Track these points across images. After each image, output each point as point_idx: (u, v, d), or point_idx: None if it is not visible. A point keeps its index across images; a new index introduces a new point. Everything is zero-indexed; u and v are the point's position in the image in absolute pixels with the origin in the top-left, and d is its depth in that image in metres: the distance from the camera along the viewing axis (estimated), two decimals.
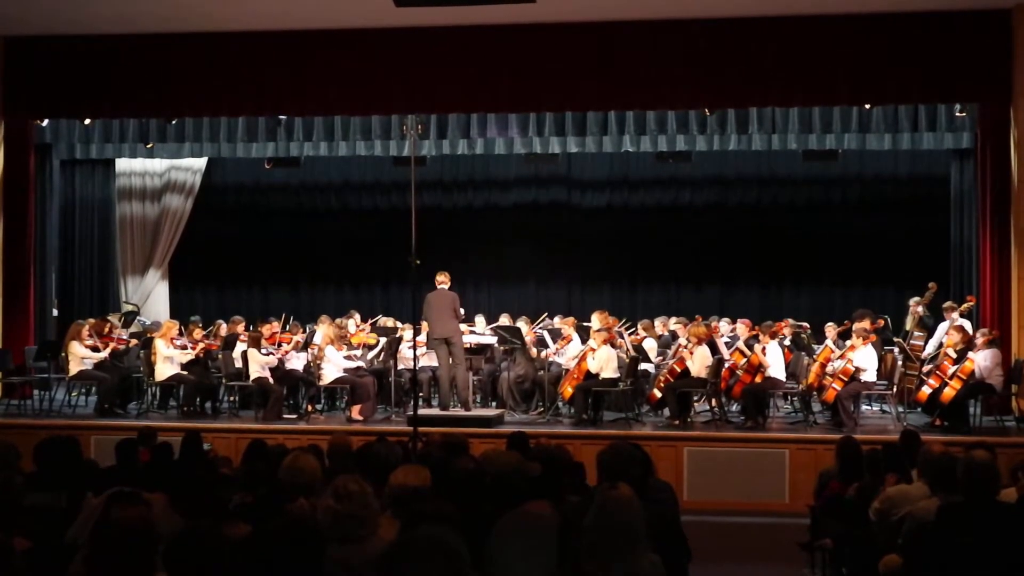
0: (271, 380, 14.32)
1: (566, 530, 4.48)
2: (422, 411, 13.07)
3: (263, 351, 14.40)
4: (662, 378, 14.22)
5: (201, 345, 14.99)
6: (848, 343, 13.84)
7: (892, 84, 14.79)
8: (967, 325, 14.53)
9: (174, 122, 17.14)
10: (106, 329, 15.40)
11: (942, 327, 14.98)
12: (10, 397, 15.44)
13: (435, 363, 15.35)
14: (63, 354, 14.78)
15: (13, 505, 5.48)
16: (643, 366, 14.67)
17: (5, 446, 7.24)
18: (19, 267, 16.27)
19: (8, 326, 16.11)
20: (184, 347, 14.84)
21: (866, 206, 19.00)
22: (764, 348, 13.93)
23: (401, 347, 14.79)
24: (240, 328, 15.43)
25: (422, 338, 14.70)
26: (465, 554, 3.43)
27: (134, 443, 8.69)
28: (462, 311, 14.66)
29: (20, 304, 16.27)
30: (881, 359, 14.00)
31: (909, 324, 16.11)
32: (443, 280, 14.29)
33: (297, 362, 14.87)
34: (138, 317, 18.14)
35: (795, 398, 14.90)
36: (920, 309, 16.08)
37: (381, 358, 15.18)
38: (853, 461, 8.65)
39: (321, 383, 14.56)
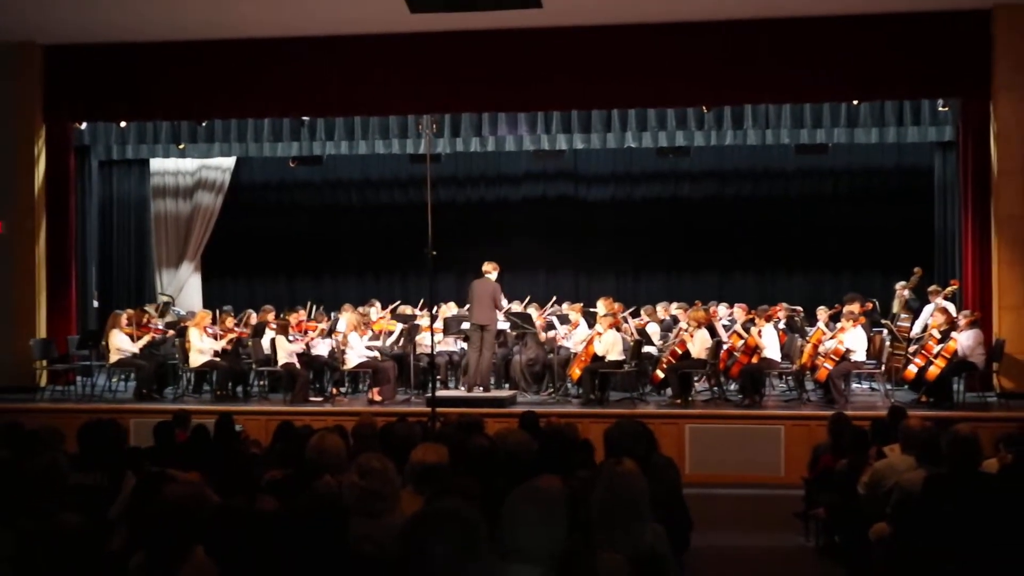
0: (298, 365, 14.34)
1: (575, 503, 4.50)
2: (440, 393, 13.08)
3: (290, 338, 14.43)
4: (664, 360, 14.24)
5: (232, 336, 15.02)
6: (839, 325, 13.83)
7: (879, 81, 14.77)
8: (951, 307, 14.52)
9: (204, 124, 17.15)
10: (144, 319, 15.45)
11: (927, 309, 14.96)
12: (55, 383, 15.49)
13: (452, 348, 15.43)
14: (103, 343, 14.84)
15: (59, 485, 5.50)
16: (646, 349, 14.69)
17: (50, 429, 7.29)
18: (62, 262, 16.33)
19: (52, 317, 16.16)
20: (216, 336, 14.88)
21: (855, 196, 18.94)
22: (760, 331, 13.94)
23: (420, 333, 14.82)
24: (269, 317, 15.46)
25: (439, 324, 14.74)
26: (482, 526, 3.44)
27: (171, 425, 8.73)
28: (504, 300, 14.66)
29: (63, 296, 16.33)
30: (870, 340, 13.99)
31: (896, 307, 16.10)
32: (488, 269, 14.37)
33: (322, 348, 14.90)
34: (173, 307, 18.18)
35: (789, 377, 14.88)
36: (906, 293, 16.07)
37: (400, 344, 15.19)
38: (844, 436, 8.67)
39: (345, 367, 14.57)
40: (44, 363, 15.32)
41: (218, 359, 14.69)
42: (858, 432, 8.51)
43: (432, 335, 13.20)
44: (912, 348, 14.03)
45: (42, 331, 15.91)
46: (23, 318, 15.86)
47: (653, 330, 15.36)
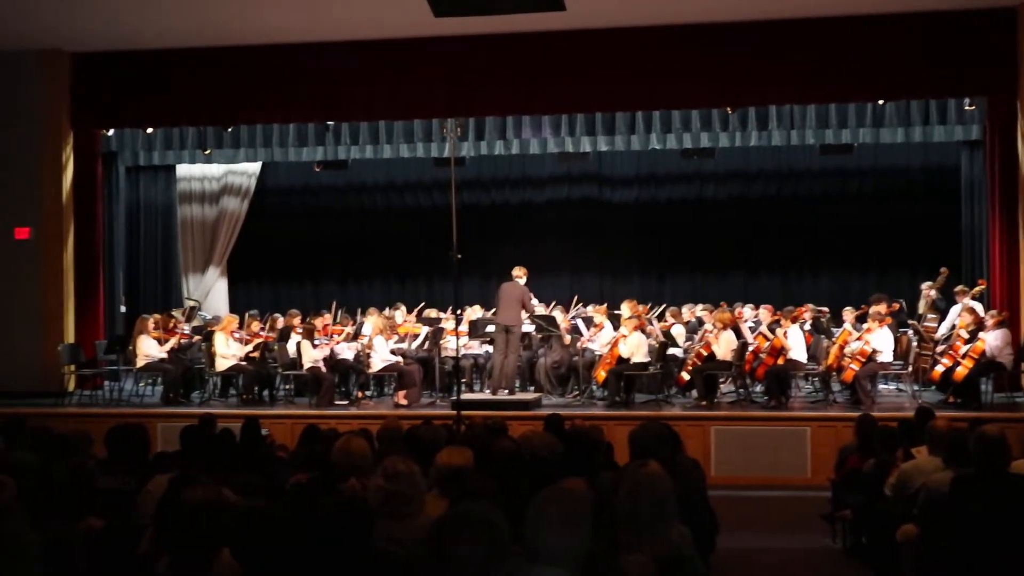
0: (323, 369, 14.38)
1: (600, 505, 4.49)
2: (465, 396, 13.09)
3: (315, 342, 14.46)
4: (690, 362, 14.22)
5: (258, 340, 15.09)
6: (865, 326, 13.78)
7: (904, 80, 14.70)
8: (978, 307, 14.44)
9: (230, 129, 17.27)
10: (170, 323, 15.53)
11: (954, 309, 14.88)
12: (83, 388, 15.56)
13: (477, 351, 15.45)
14: (131, 347, 14.93)
15: (87, 488, 5.54)
16: (672, 351, 14.66)
17: (79, 433, 7.32)
18: (89, 267, 16.45)
19: (80, 322, 16.28)
20: (242, 340, 14.95)
21: (880, 196, 18.85)
22: (786, 332, 13.90)
23: (445, 336, 14.84)
24: (295, 321, 15.51)
25: (464, 327, 14.77)
26: (506, 528, 3.45)
27: (197, 429, 8.76)
28: (534, 302, 14.65)
29: (91, 301, 16.45)
30: (896, 340, 13.92)
31: (922, 307, 16.00)
32: (518, 274, 14.40)
33: (348, 352, 14.93)
34: (199, 312, 18.27)
35: (815, 378, 14.83)
36: (933, 293, 15.97)
37: (426, 347, 15.21)
38: (871, 437, 8.62)
39: (370, 371, 14.62)
40: (72, 368, 15.40)
41: (244, 363, 14.76)
42: (885, 433, 8.47)
43: (457, 338, 13.21)
44: (939, 348, 13.96)
45: (70, 336, 16.03)
46: (51, 323, 15.98)
47: (678, 332, 15.33)
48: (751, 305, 16.61)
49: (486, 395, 14.20)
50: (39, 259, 16.09)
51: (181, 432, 8.42)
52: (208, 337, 15.18)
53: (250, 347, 14.91)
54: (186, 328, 16.08)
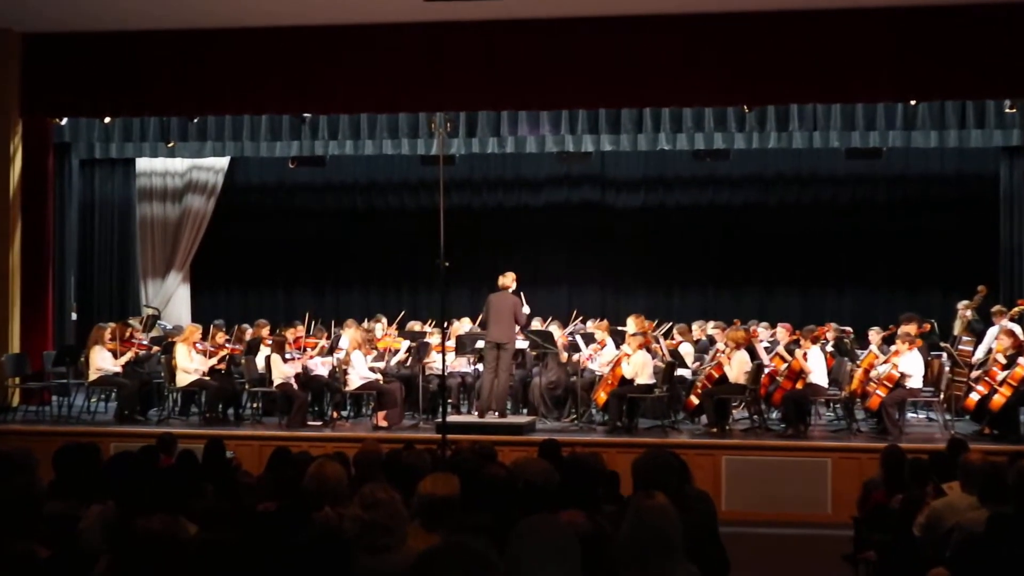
0: (295, 386, 14.37)
1: (600, 540, 4.48)
2: (451, 418, 13.07)
3: (286, 356, 14.44)
4: (699, 384, 14.23)
5: (223, 353, 15.07)
6: (893, 348, 13.80)
7: (938, 79, 14.71)
8: (1017, 330, 14.44)
9: (196, 120, 17.24)
10: (127, 333, 15.49)
11: (991, 332, 14.88)
12: (28, 403, 15.54)
13: (465, 369, 15.42)
14: (83, 359, 14.89)
15: (33, 513, 5.51)
16: (679, 372, 14.67)
17: (23, 452, 7.28)
18: (38, 269, 16.40)
19: (26, 330, 16.21)
20: (206, 352, 14.93)
21: (912, 206, 18.90)
22: (805, 353, 13.91)
23: (430, 352, 14.82)
24: (264, 332, 15.50)
25: (451, 342, 14.75)
26: (499, 564, 3.44)
27: (155, 450, 8.74)
28: (527, 311, 14.62)
29: (38, 307, 16.39)
30: (927, 365, 13.93)
31: (957, 328, 16.02)
32: (507, 283, 14.26)
33: (322, 367, 14.92)
34: (159, 321, 18.25)
35: (838, 405, 14.86)
36: (968, 313, 15.99)
37: (408, 363, 15.20)
38: (898, 470, 8.62)
39: (347, 389, 14.61)
40: (17, 380, 15.37)
41: (208, 378, 14.74)
42: (914, 467, 8.47)
43: (443, 354, 13.21)
44: (974, 374, 13.98)
45: (15, 345, 15.96)
46: None
47: (687, 351, 15.35)
48: (767, 323, 16.63)
49: (474, 417, 14.19)
50: None
51: (137, 453, 8.39)
52: (168, 349, 15.17)
53: (214, 360, 14.91)
54: (144, 339, 16.06)
